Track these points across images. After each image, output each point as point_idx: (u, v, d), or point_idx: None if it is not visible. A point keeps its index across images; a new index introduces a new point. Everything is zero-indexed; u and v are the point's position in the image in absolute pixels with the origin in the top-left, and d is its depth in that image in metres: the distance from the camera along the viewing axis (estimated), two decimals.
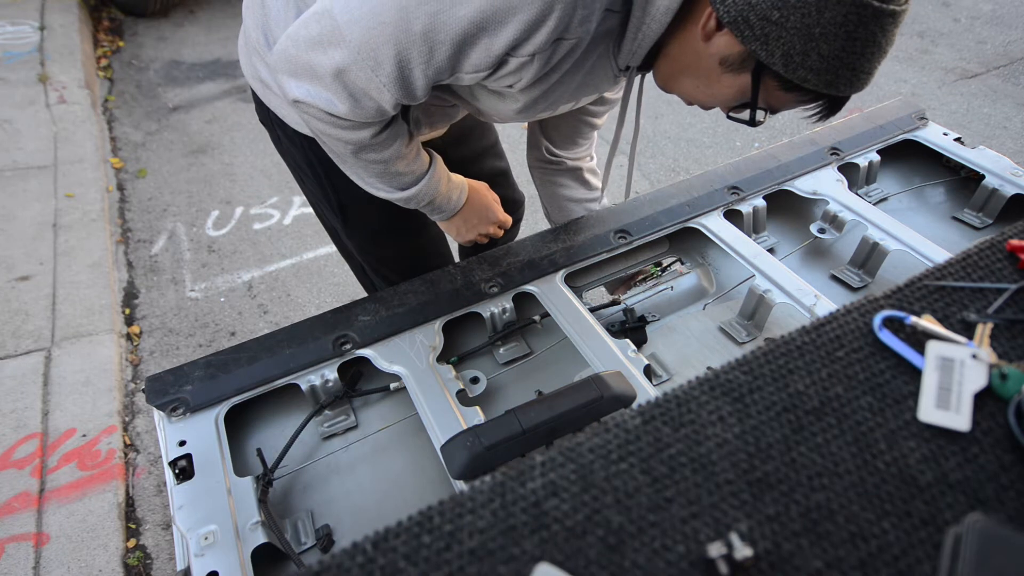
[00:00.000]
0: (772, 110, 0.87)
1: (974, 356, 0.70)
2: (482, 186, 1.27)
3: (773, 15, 0.72)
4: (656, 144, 3.49)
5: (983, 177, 1.44)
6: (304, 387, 1.05)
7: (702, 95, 0.91)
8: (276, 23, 1.03)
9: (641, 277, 1.43)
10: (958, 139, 1.52)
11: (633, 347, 1.07)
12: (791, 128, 3.53)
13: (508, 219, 1.32)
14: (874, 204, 1.43)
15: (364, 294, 1.64)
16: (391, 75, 0.81)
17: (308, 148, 1.19)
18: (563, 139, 1.39)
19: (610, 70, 0.95)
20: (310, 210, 3.08)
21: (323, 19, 0.80)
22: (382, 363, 1.07)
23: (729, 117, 0.93)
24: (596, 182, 1.49)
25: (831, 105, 0.84)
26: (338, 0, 0.79)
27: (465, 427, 0.95)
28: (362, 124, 0.91)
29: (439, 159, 1.13)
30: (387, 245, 1.37)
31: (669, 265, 1.42)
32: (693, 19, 0.81)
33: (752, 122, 0.88)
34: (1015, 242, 0.85)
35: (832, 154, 1.49)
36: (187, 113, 3.76)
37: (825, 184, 1.42)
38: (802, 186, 1.42)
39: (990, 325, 0.75)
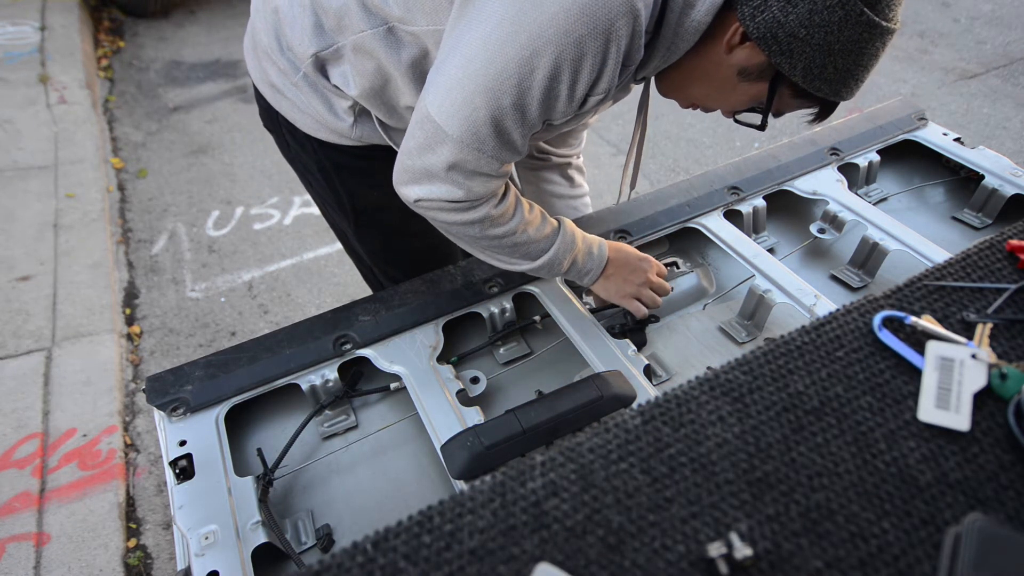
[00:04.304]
0: (776, 114, 0.94)
1: (974, 356, 0.70)
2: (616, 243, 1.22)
3: (800, 32, 0.78)
4: (656, 144, 3.49)
5: (983, 177, 1.44)
6: (304, 387, 1.05)
7: (712, 100, 0.97)
8: (290, 26, 1.02)
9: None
10: (958, 139, 1.52)
11: (633, 347, 1.08)
12: (791, 128, 3.53)
13: (662, 268, 1.21)
14: (874, 204, 1.43)
15: (366, 294, 1.64)
16: (495, 147, 0.89)
17: (319, 151, 1.18)
18: (557, 138, 1.40)
19: (630, 81, 0.99)
20: (310, 210, 3.09)
21: (425, 124, 0.88)
22: (382, 363, 1.08)
23: (735, 120, 0.98)
24: (581, 179, 1.49)
25: (825, 109, 0.93)
26: (432, 104, 0.86)
27: (465, 427, 0.96)
28: (481, 200, 0.96)
29: (566, 219, 1.12)
30: (398, 247, 1.36)
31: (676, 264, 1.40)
32: (714, 33, 0.85)
33: (762, 126, 0.93)
34: (1015, 242, 0.85)
35: (832, 154, 1.49)
36: (187, 113, 3.76)
37: (825, 184, 1.42)
38: (802, 186, 1.42)
39: (990, 325, 0.75)
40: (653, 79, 1.02)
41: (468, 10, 0.82)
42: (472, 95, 0.83)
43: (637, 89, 1.09)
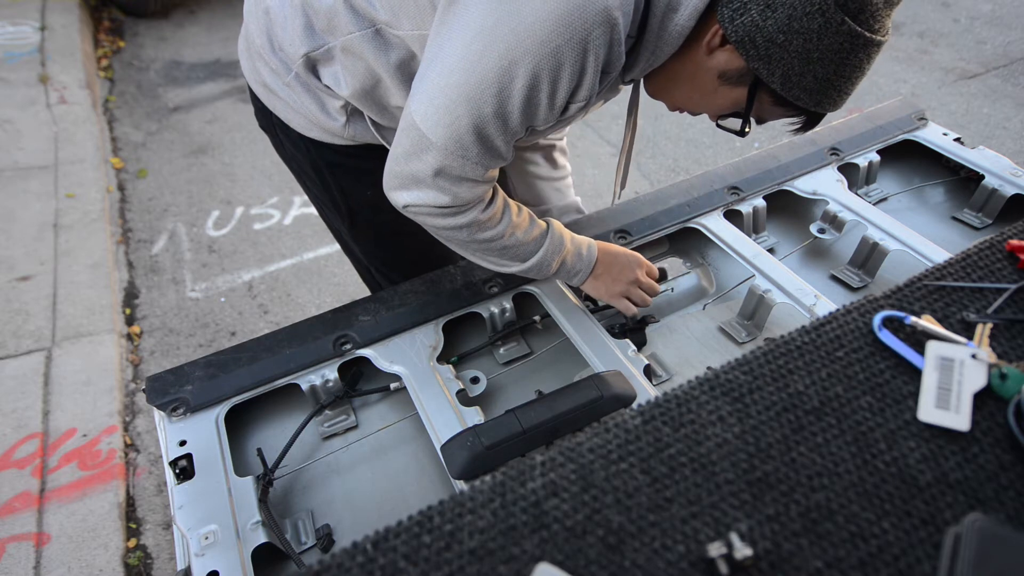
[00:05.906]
0: (759, 121, 0.94)
1: (974, 356, 0.70)
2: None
3: (778, 38, 0.78)
4: (656, 144, 3.49)
5: (983, 177, 1.44)
6: (304, 387, 1.05)
7: (694, 104, 0.97)
8: (281, 27, 1.03)
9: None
10: (958, 139, 1.52)
11: (633, 347, 1.08)
12: None
13: (652, 267, 1.22)
14: (874, 204, 1.43)
15: (366, 294, 1.64)
16: (478, 154, 0.89)
17: (313, 151, 1.18)
18: None
19: (618, 83, 0.99)
20: (310, 210, 3.09)
21: (410, 132, 0.90)
22: (382, 363, 1.08)
23: (718, 125, 0.98)
24: (564, 161, 1.50)
25: (810, 121, 0.91)
26: (417, 112, 0.88)
27: (465, 427, 0.96)
28: (469, 205, 0.97)
29: (555, 220, 1.14)
30: (394, 247, 1.36)
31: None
32: (698, 36, 0.85)
33: (741, 132, 0.93)
34: (1015, 242, 0.85)
35: (832, 154, 1.49)
36: (187, 113, 3.76)
37: (825, 184, 1.42)
38: (802, 186, 1.42)
39: (990, 325, 0.75)
40: (643, 80, 1.02)
41: (449, 17, 0.83)
42: (454, 104, 0.83)
43: (628, 89, 1.10)
